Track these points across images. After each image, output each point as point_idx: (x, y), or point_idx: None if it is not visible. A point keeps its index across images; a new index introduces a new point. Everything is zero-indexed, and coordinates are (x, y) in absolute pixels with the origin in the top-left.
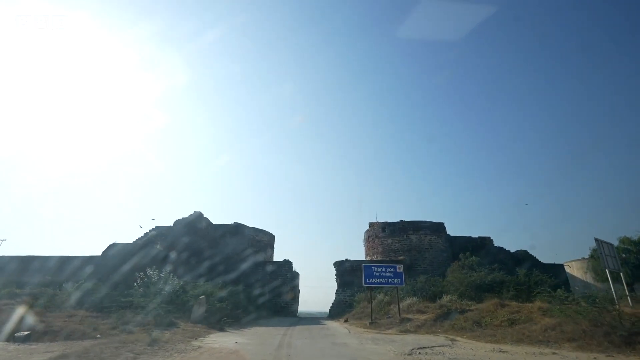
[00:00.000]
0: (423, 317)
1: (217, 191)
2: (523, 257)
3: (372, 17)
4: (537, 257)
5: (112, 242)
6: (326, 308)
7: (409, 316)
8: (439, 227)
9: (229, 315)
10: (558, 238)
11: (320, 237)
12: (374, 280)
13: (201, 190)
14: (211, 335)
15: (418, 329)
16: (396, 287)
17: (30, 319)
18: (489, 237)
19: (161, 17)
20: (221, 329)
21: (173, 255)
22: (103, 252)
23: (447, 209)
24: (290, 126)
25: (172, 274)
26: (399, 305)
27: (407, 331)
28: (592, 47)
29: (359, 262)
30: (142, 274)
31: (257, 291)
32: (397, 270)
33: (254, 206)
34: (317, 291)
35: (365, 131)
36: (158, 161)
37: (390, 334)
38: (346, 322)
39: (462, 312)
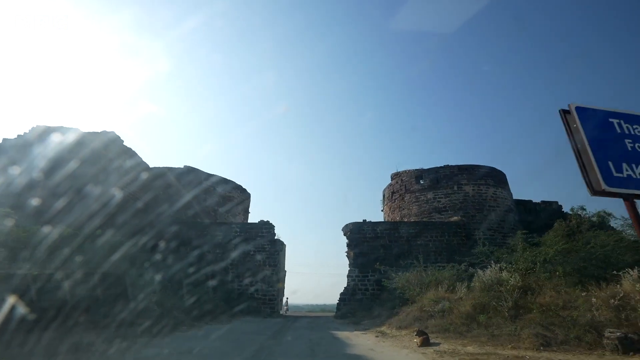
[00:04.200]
0: None
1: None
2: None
3: (358, 6)
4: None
5: None
6: (316, 300)
7: None
8: (501, 177)
9: None
10: None
11: (307, 224)
12: None
13: None
14: None
15: None
16: None
17: None
18: (557, 202)
19: (139, 4)
20: None
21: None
22: None
23: None
24: (274, 114)
25: None
26: None
27: None
28: (591, 52)
29: (386, 223)
30: None
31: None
32: None
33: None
34: (305, 280)
35: (351, 117)
36: (143, 150)
37: None
38: (427, 347)
39: None
